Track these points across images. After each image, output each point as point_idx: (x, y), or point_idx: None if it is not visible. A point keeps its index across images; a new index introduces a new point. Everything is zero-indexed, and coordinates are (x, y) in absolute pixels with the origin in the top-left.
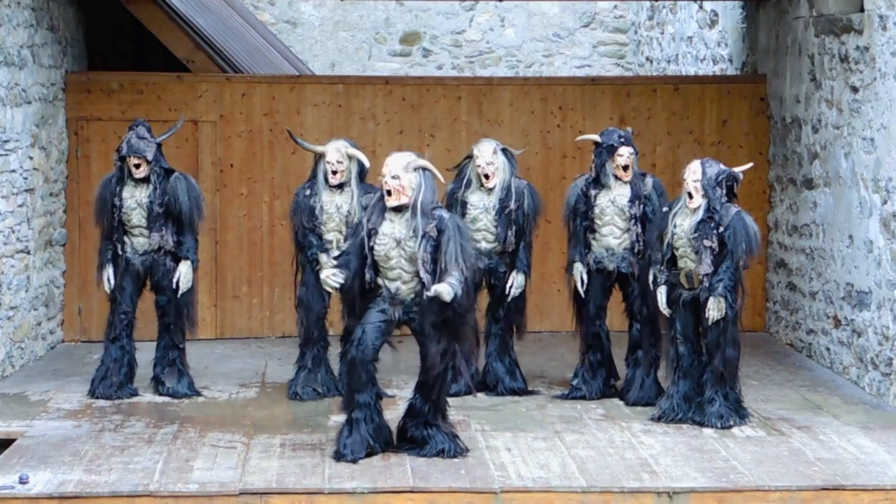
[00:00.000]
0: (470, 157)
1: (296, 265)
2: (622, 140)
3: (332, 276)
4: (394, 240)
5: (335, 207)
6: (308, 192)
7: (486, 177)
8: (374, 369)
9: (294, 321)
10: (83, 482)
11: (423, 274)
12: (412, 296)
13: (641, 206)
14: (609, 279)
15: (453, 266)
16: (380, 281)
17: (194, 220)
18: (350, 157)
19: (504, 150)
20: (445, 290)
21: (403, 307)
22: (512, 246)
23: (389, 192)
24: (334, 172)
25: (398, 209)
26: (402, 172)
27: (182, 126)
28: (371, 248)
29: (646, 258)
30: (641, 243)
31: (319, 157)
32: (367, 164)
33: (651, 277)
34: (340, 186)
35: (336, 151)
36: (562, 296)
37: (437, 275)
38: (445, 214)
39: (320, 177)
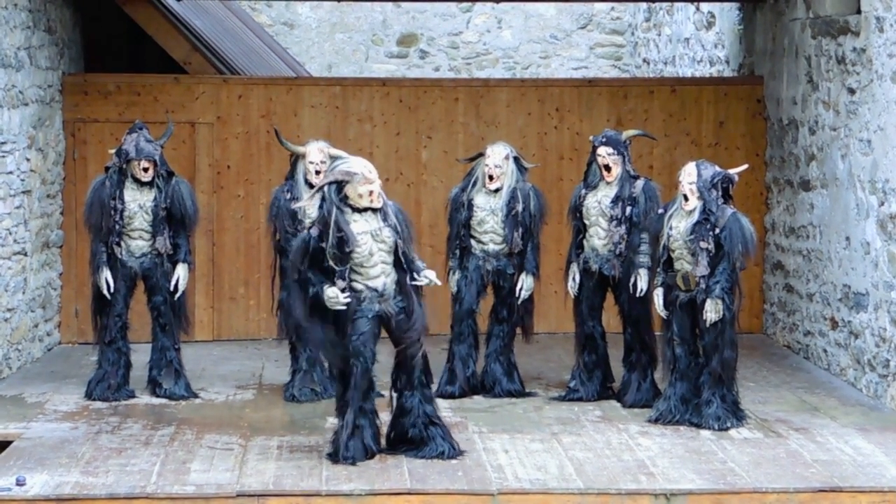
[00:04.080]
0: (482, 155)
1: (274, 269)
2: (602, 140)
3: (341, 298)
4: (370, 235)
5: (317, 210)
6: (288, 195)
7: (490, 178)
8: (373, 376)
9: None
10: (80, 484)
11: (406, 260)
12: (393, 287)
13: (626, 209)
14: (596, 280)
15: (414, 255)
16: (358, 285)
17: (194, 224)
18: (332, 157)
19: (516, 159)
20: (434, 274)
21: (393, 302)
22: (519, 247)
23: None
24: (317, 172)
25: (359, 210)
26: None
27: (178, 128)
28: (349, 253)
29: (627, 261)
30: (623, 245)
31: (298, 158)
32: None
33: (632, 280)
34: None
35: (318, 151)
36: (558, 297)
37: (402, 261)
38: (390, 202)
39: (300, 178)
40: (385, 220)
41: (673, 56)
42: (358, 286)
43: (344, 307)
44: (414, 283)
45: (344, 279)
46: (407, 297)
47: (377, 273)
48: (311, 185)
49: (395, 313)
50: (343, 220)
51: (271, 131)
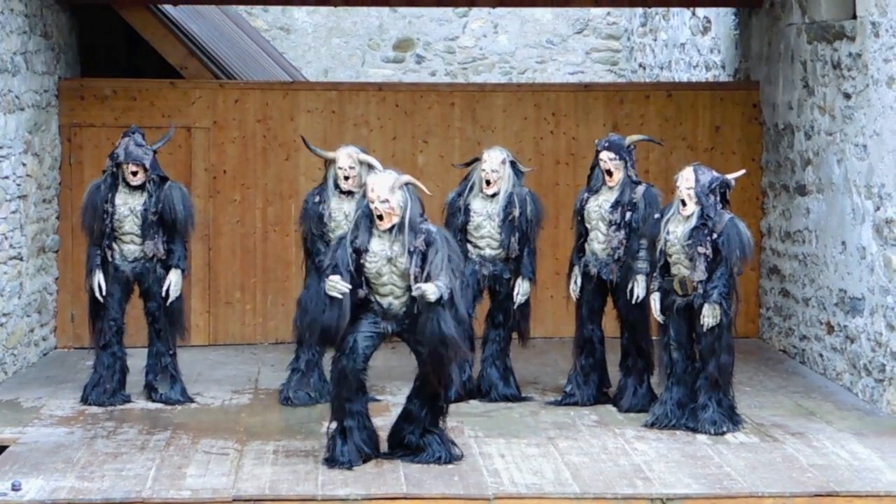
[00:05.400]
0: (478, 159)
1: (304, 270)
2: (605, 145)
3: (338, 283)
4: (385, 257)
5: (343, 214)
6: (317, 198)
7: (487, 182)
8: (364, 378)
9: (287, 327)
10: (76, 489)
11: (413, 288)
12: (404, 310)
13: (626, 214)
14: (595, 284)
15: (442, 272)
16: (370, 296)
17: (187, 229)
18: (361, 163)
19: (513, 163)
20: (430, 288)
21: (396, 321)
22: (515, 252)
23: (381, 217)
24: (346, 178)
25: (390, 227)
26: (390, 195)
27: (175, 133)
28: (362, 266)
29: (626, 266)
30: (622, 250)
31: (330, 163)
32: (379, 168)
33: (630, 286)
34: (351, 193)
35: (348, 157)
36: (555, 302)
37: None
38: (433, 228)
39: (330, 183)
40: (408, 246)
41: (669, 61)
42: (371, 297)
43: (339, 295)
44: (411, 292)
45: (362, 287)
46: (412, 326)
47: (386, 292)
48: (340, 190)
49: (394, 330)
50: (363, 227)
51: (268, 136)
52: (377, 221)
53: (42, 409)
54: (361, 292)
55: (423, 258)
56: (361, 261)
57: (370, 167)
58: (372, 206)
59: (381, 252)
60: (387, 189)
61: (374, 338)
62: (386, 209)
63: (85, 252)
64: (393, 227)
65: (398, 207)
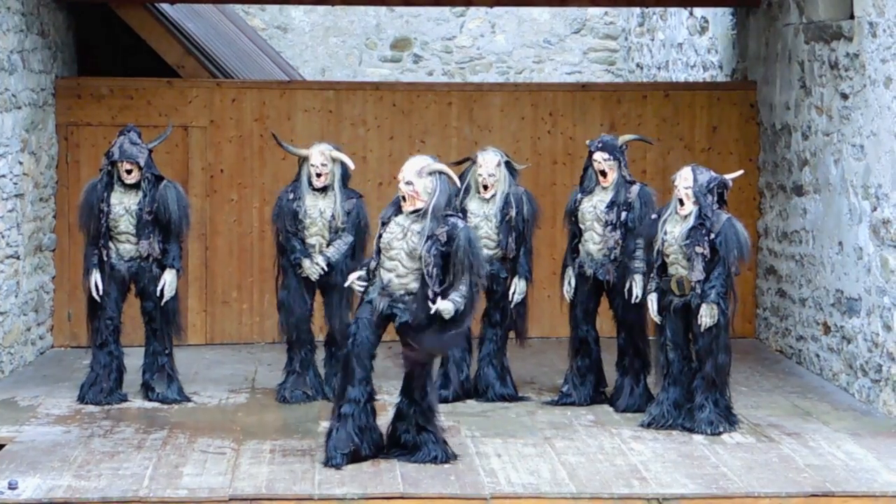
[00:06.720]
0: (472, 161)
1: (277, 268)
2: (598, 145)
3: (357, 282)
4: (401, 230)
5: (318, 212)
6: (291, 195)
7: (485, 187)
8: (369, 366)
9: None
10: (73, 488)
11: (425, 275)
12: (401, 292)
13: (621, 214)
14: (590, 284)
15: (462, 281)
16: (377, 268)
17: (182, 229)
18: (334, 160)
19: (507, 163)
20: (447, 308)
21: (390, 300)
22: (513, 252)
23: (404, 198)
24: (318, 175)
25: (414, 210)
26: (416, 178)
27: (172, 132)
28: (380, 236)
29: (622, 266)
30: (618, 250)
31: (303, 160)
32: (351, 166)
33: (627, 286)
34: (324, 190)
35: (320, 154)
36: (551, 302)
37: (445, 285)
38: (460, 223)
39: (304, 180)
40: (428, 231)
41: (666, 61)
42: (377, 269)
43: (358, 293)
44: (427, 301)
45: (370, 263)
46: (416, 311)
47: (390, 267)
48: (313, 188)
49: (383, 309)
50: (395, 205)
51: (265, 135)
52: (402, 203)
53: (39, 408)
54: (373, 262)
55: (443, 253)
56: (381, 231)
57: (343, 165)
58: (398, 187)
59: (400, 224)
60: (414, 172)
61: (375, 321)
62: (409, 191)
63: (82, 251)
64: (417, 211)
65: (424, 193)
